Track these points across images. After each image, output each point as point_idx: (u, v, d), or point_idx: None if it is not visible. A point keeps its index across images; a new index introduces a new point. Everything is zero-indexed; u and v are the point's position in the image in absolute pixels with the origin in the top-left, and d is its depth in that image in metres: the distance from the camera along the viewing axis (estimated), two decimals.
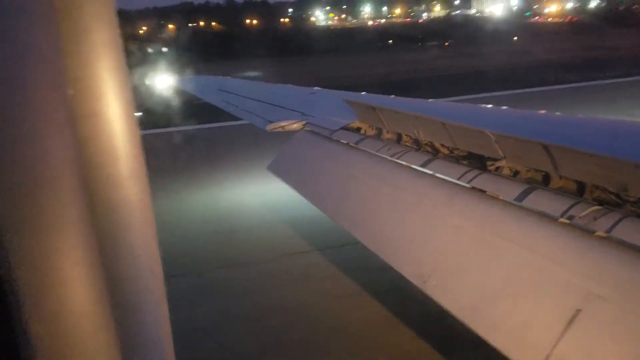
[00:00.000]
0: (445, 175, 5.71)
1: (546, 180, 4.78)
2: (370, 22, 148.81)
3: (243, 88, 19.43)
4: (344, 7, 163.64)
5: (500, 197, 4.84)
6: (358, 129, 8.38)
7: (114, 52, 1.42)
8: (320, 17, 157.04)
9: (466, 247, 4.67)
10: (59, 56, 1.14)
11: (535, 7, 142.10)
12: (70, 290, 1.14)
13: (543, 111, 9.32)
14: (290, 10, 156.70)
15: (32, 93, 1.07)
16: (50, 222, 1.09)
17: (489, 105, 9.30)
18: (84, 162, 1.41)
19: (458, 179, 5.48)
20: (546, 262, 3.89)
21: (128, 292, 1.54)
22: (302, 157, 9.35)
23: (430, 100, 11.35)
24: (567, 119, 7.85)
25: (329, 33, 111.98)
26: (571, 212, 4.12)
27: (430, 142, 6.58)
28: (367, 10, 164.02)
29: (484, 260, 4.41)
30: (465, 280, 4.44)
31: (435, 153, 6.43)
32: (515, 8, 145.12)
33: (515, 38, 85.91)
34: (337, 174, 7.72)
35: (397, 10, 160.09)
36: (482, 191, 5.09)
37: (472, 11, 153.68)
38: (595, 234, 3.83)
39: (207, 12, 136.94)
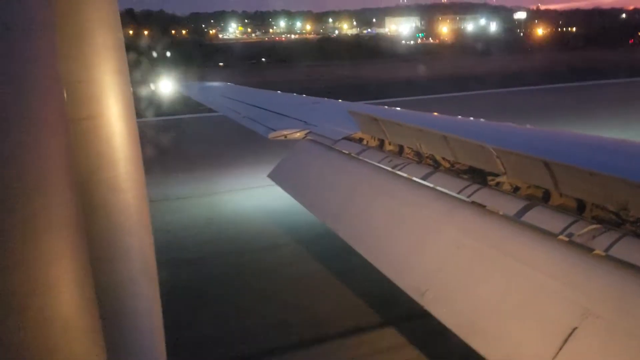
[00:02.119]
0: (446, 188, 5.70)
1: (546, 197, 4.77)
2: (277, 38, 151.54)
3: (246, 95, 19.45)
4: (264, 22, 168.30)
5: (500, 213, 4.83)
6: (360, 140, 8.38)
7: (117, 56, 1.42)
8: (230, 30, 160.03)
9: (465, 262, 4.65)
10: (56, 60, 1.13)
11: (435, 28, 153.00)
12: (58, 296, 1.11)
13: (545, 128, 9.31)
14: (211, 21, 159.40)
15: (28, 96, 1.05)
16: (40, 226, 1.07)
17: (491, 121, 9.30)
18: (83, 165, 1.40)
19: (458, 193, 5.47)
20: (544, 279, 3.87)
21: (122, 295, 1.53)
22: (303, 166, 9.34)
23: (433, 114, 11.35)
24: (568, 136, 7.85)
25: (213, 47, 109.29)
26: (570, 230, 4.11)
27: (432, 155, 6.58)
28: (282, 25, 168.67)
29: (482, 275, 4.39)
30: (463, 295, 4.41)
31: (436, 166, 6.42)
32: (414, 28, 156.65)
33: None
34: (338, 184, 7.71)
35: (308, 27, 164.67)
36: (482, 206, 5.08)
37: (385, 30, 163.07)
38: (594, 252, 3.82)
39: None
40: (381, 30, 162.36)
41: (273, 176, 9.42)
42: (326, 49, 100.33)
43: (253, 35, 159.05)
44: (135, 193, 1.52)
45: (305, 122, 10.93)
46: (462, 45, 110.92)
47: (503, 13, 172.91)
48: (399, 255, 5.44)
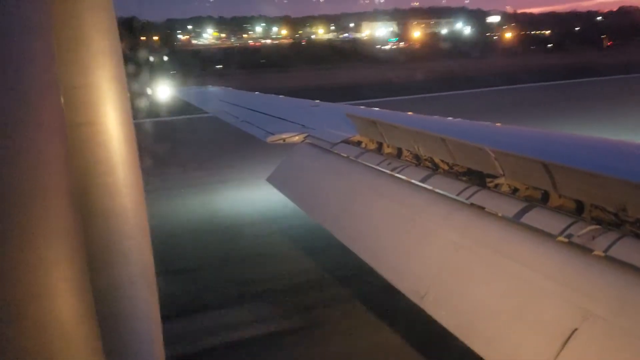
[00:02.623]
0: (445, 191, 5.71)
1: (545, 198, 4.77)
2: (251, 43, 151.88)
3: (243, 99, 19.46)
4: (240, 27, 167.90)
5: (499, 214, 4.83)
6: (359, 143, 8.39)
7: (114, 61, 1.43)
8: (205, 35, 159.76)
9: (464, 264, 4.65)
10: (54, 65, 1.13)
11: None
12: (56, 301, 1.11)
13: (544, 130, 9.33)
14: (188, 27, 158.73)
15: (25, 101, 1.05)
16: (37, 232, 1.07)
17: (489, 123, 9.32)
18: (81, 170, 1.41)
19: (457, 195, 5.48)
20: (543, 280, 3.87)
21: (121, 299, 1.54)
22: (301, 170, 9.35)
23: (432, 116, 11.38)
24: (566, 138, 7.86)
25: (183, 53, 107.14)
26: (570, 231, 4.11)
27: (430, 157, 6.59)
28: (258, 30, 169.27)
29: (482, 277, 4.39)
30: (463, 297, 4.41)
31: (435, 168, 6.43)
32: (391, 32, 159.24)
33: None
34: (336, 187, 7.72)
35: (284, 32, 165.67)
36: (481, 208, 5.08)
37: (363, 35, 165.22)
38: (593, 253, 3.82)
39: None
40: (359, 35, 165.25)
41: (272, 180, 9.42)
42: (290, 54, 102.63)
43: (228, 40, 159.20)
44: (133, 197, 1.53)
45: (303, 125, 10.94)
46: (427, 49, 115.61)
47: (480, 17, 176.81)
48: (398, 258, 5.44)
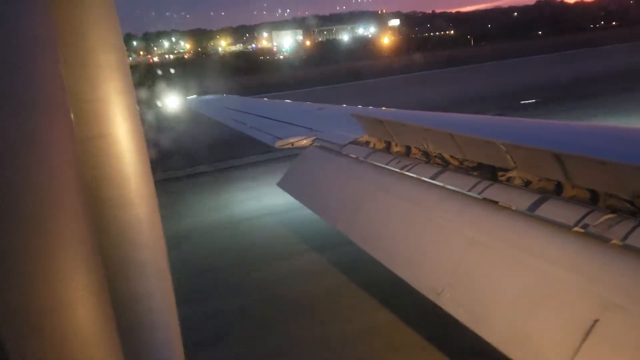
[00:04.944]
0: (456, 186, 5.67)
1: (558, 189, 4.73)
2: (150, 58, 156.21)
3: (250, 105, 19.53)
4: (148, 43, 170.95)
5: (513, 208, 4.80)
6: (367, 143, 8.38)
7: (121, 75, 1.44)
8: None
9: (479, 259, 4.62)
10: (61, 81, 1.14)
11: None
12: (75, 313, 1.11)
13: (550, 120, 9.26)
14: None
15: (35, 116, 1.06)
16: (54, 244, 1.08)
17: (496, 116, 9.27)
18: (94, 183, 1.42)
19: (469, 191, 5.44)
20: (561, 272, 3.83)
21: (139, 311, 1.54)
22: (311, 173, 9.36)
23: (437, 112, 11.34)
24: (575, 127, 7.80)
25: None
26: (585, 221, 4.07)
27: (440, 154, 6.56)
28: (165, 45, 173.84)
29: (498, 271, 4.36)
30: (480, 293, 4.38)
31: (445, 165, 6.40)
32: (294, 42, 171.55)
33: None
34: (347, 188, 7.71)
35: (187, 46, 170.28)
36: (494, 202, 5.05)
37: (274, 44, 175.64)
38: (611, 242, 3.77)
39: None
40: (268, 45, 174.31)
41: (282, 184, 9.44)
42: (178, 68, 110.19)
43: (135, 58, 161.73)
44: (147, 208, 1.54)
45: (311, 128, 10.97)
46: (306, 58, 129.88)
47: (383, 20, 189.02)
48: (412, 256, 5.42)
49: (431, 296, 4.63)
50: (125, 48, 1.50)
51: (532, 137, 6.39)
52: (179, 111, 29.79)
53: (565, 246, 4.00)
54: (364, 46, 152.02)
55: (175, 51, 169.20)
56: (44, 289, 1.06)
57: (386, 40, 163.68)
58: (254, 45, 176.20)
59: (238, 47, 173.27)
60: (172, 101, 31.45)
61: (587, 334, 3.28)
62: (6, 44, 1.03)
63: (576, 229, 4.06)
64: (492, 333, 3.93)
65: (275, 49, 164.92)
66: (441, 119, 10.04)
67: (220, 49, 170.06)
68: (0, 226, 1.02)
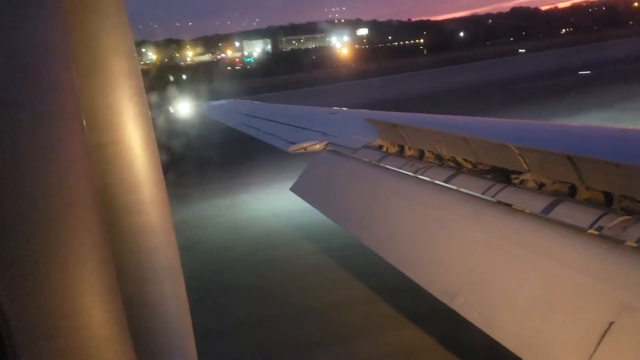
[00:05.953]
0: (470, 190, 5.65)
1: (572, 191, 4.69)
2: None
3: (262, 110, 19.61)
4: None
5: (527, 211, 4.76)
6: (380, 147, 8.37)
7: (133, 81, 1.46)
8: None
9: (494, 262, 4.59)
10: (74, 87, 1.17)
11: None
12: (89, 319, 1.13)
13: (564, 122, 9.18)
14: None
15: (48, 124, 1.08)
16: (67, 250, 1.09)
17: (507, 119, 9.22)
18: (106, 190, 1.43)
19: (483, 194, 5.41)
20: (576, 275, 3.79)
21: (153, 317, 1.55)
22: (325, 177, 9.36)
23: (450, 116, 11.30)
24: (587, 129, 7.73)
25: None
26: (600, 223, 4.03)
27: (453, 157, 6.54)
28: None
29: (512, 275, 4.33)
30: (494, 296, 4.35)
31: (458, 168, 6.37)
32: (262, 51, 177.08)
33: None
34: (360, 192, 7.70)
35: (154, 57, 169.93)
36: (508, 205, 5.01)
37: (246, 53, 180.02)
38: (626, 244, 3.73)
39: None
40: (237, 54, 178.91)
41: (295, 189, 9.45)
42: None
43: None
44: (160, 215, 1.55)
45: (324, 133, 10.97)
46: (265, 67, 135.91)
47: (353, 29, 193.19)
48: (426, 260, 5.40)
49: (445, 300, 4.61)
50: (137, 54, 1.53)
51: (545, 140, 6.34)
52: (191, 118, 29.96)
53: (579, 248, 3.96)
54: (324, 56, 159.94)
55: (142, 62, 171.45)
56: (58, 295, 1.08)
57: (344, 51, 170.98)
58: (222, 55, 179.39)
59: (207, 56, 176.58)
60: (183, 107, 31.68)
61: (603, 336, 3.25)
62: (19, 51, 1.05)
63: (591, 231, 4.03)
64: (507, 336, 3.90)
65: (238, 59, 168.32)
66: (454, 123, 10.00)
67: (188, 58, 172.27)
68: (15, 233, 1.04)
